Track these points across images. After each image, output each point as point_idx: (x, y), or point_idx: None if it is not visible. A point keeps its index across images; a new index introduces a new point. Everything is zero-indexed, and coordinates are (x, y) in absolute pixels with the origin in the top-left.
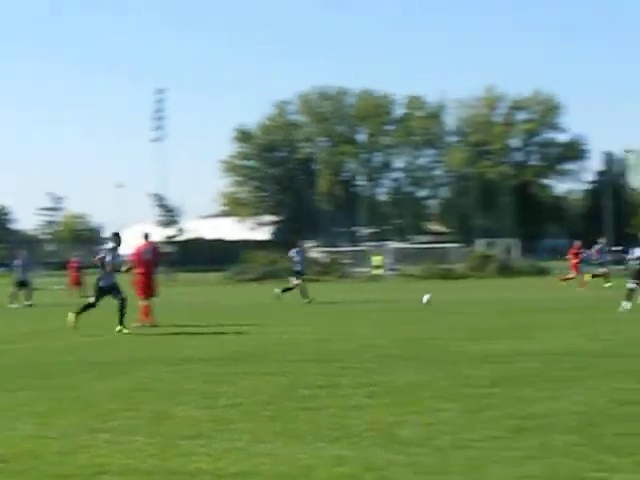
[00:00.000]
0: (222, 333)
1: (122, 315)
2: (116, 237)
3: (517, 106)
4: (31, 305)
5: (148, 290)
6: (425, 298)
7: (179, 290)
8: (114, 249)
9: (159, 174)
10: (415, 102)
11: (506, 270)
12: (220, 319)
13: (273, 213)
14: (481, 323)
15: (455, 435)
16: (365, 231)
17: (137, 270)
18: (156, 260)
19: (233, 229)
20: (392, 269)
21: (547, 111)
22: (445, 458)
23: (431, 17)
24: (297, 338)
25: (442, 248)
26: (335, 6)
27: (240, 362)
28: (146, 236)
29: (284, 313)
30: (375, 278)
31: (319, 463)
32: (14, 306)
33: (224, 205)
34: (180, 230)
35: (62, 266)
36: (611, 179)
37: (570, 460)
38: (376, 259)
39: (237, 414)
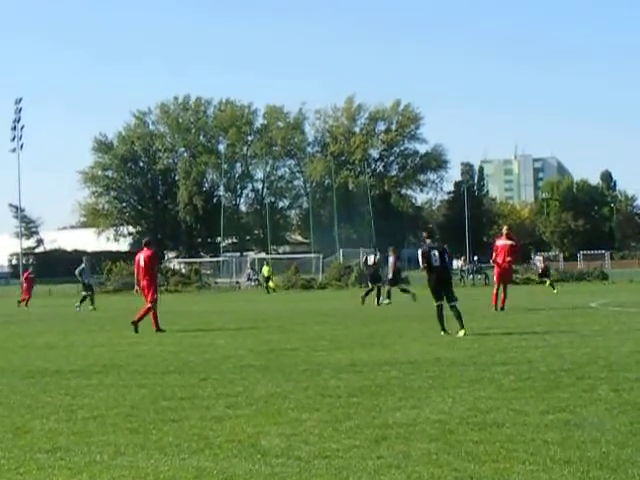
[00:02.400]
0: (76, 345)
1: None
2: None
3: (377, 117)
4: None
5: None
6: (385, 301)
7: (36, 302)
8: None
9: (17, 185)
10: (275, 112)
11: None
12: (73, 331)
13: (133, 224)
14: (342, 333)
15: (317, 445)
16: (226, 241)
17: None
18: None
19: (93, 240)
20: (252, 279)
21: (407, 121)
22: (307, 468)
23: (290, 27)
24: (155, 350)
25: (303, 258)
26: (197, 15)
27: (97, 374)
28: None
29: (143, 325)
30: (268, 290)
31: (181, 475)
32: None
33: (83, 216)
34: (38, 242)
35: None
36: (469, 189)
37: (431, 468)
38: (266, 269)
39: (97, 427)
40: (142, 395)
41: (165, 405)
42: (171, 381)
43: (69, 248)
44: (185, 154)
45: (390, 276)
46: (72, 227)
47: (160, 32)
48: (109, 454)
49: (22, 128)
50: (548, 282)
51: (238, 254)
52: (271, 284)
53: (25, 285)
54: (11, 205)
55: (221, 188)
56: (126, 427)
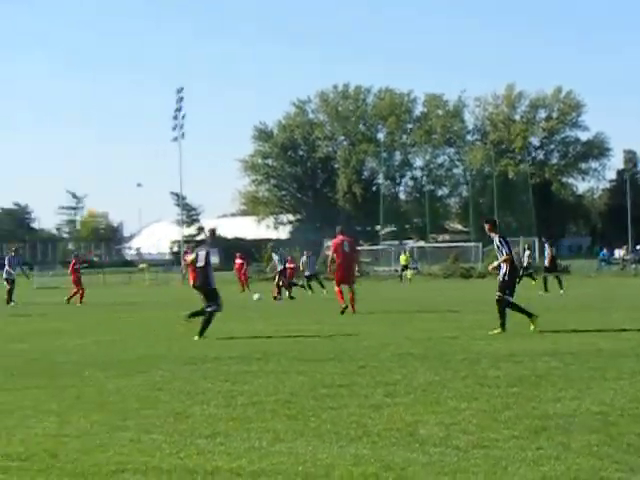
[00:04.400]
0: (236, 332)
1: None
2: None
3: (538, 104)
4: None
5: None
6: (255, 296)
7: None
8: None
9: (179, 173)
10: (435, 100)
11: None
12: (233, 318)
13: (293, 212)
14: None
15: (475, 435)
16: (385, 230)
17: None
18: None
19: (252, 228)
20: (412, 268)
21: (568, 109)
22: (465, 457)
23: (451, 16)
24: (314, 337)
25: (462, 247)
26: (355, 5)
27: (257, 361)
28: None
29: (301, 310)
30: (402, 278)
31: (339, 462)
32: None
33: (243, 204)
34: (199, 229)
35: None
36: (632, 177)
37: (591, 460)
38: (403, 258)
39: (257, 413)
40: (301, 382)
41: (324, 392)
42: (330, 368)
43: (229, 236)
44: (344, 142)
45: (547, 264)
46: (232, 215)
47: (321, 21)
48: (268, 440)
49: (183, 117)
50: None
51: (397, 242)
52: (408, 274)
53: (72, 278)
54: (172, 193)
55: (380, 176)
56: (285, 414)
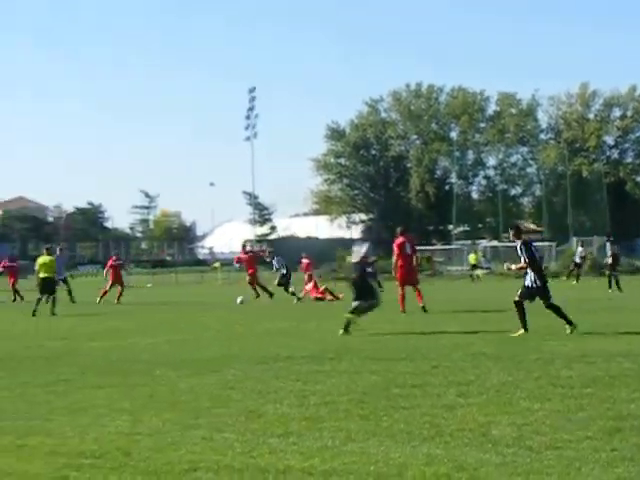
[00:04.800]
0: (309, 331)
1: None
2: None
3: (612, 103)
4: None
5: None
6: (239, 299)
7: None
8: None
9: (251, 172)
10: (508, 99)
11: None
12: (305, 318)
13: (365, 211)
14: (577, 322)
15: (549, 435)
16: (457, 229)
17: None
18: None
19: (325, 227)
20: (484, 267)
21: None
22: (539, 459)
23: (524, 15)
24: (386, 336)
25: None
26: (429, 5)
27: (330, 360)
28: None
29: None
30: (473, 278)
31: (411, 462)
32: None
33: (316, 203)
34: (272, 228)
35: (154, 264)
36: None
37: None
38: (472, 257)
39: (329, 412)
40: (374, 382)
41: (396, 392)
42: (402, 368)
43: (302, 235)
44: (417, 141)
45: (609, 262)
46: (305, 214)
47: (393, 21)
48: (340, 440)
49: (256, 116)
50: None
51: (470, 242)
52: (479, 273)
53: (111, 273)
54: (245, 192)
55: (453, 175)
56: (357, 413)
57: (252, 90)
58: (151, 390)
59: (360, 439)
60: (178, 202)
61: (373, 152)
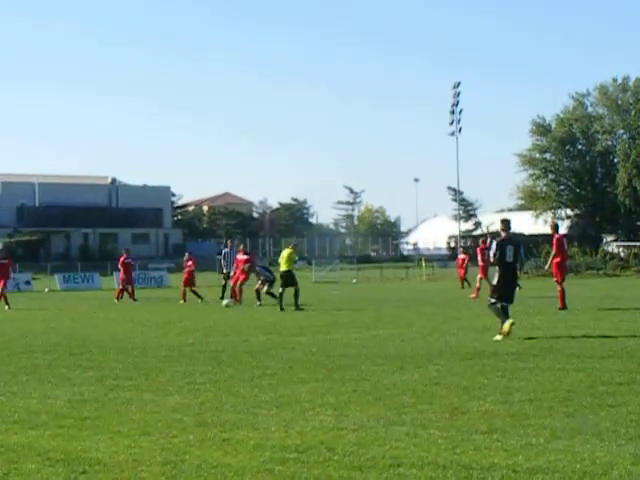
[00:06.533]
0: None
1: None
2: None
3: None
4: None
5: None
6: (224, 302)
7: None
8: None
9: (455, 168)
10: None
11: None
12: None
13: (571, 207)
14: None
15: None
16: None
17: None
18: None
19: (530, 223)
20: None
21: None
22: None
23: None
24: (592, 334)
25: None
26: None
27: (534, 357)
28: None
29: (575, 306)
30: None
31: (617, 461)
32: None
33: (521, 199)
34: (476, 224)
35: (359, 259)
36: None
37: None
38: None
39: (533, 409)
40: (579, 379)
41: (602, 390)
42: (609, 365)
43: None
44: (624, 136)
45: None
46: (509, 210)
47: (594, 12)
48: (545, 437)
49: (460, 112)
50: None
51: None
52: None
53: (121, 272)
54: (450, 188)
55: None
56: (562, 411)
57: (456, 85)
58: (355, 385)
59: (565, 437)
60: (383, 198)
61: (579, 147)
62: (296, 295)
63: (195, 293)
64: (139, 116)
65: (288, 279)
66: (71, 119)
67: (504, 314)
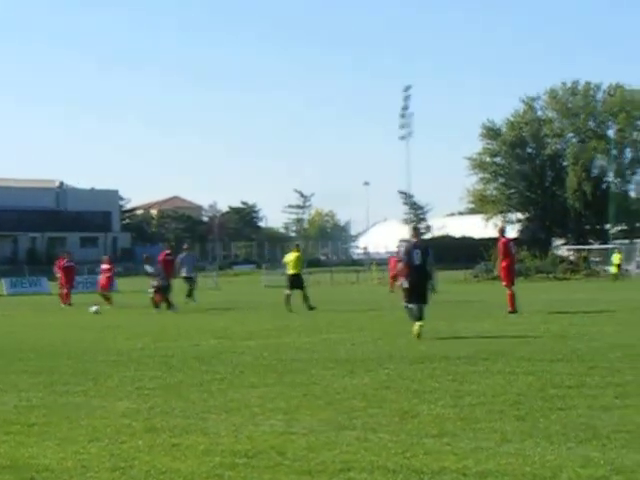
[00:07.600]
0: (462, 331)
1: None
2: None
3: None
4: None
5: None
6: (92, 309)
7: None
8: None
9: (406, 172)
10: None
11: None
12: (459, 317)
13: (521, 210)
14: None
15: None
16: (615, 229)
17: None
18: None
19: (480, 227)
20: None
21: None
22: None
23: None
24: (541, 337)
25: None
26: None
27: (484, 361)
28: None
29: (525, 309)
30: (617, 277)
31: (567, 464)
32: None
33: (471, 202)
34: (427, 228)
35: (308, 263)
36: None
37: None
38: (615, 257)
39: (484, 413)
40: (529, 382)
41: (552, 393)
42: (559, 369)
43: (457, 234)
44: (574, 139)
45: None
46: (460, 213)
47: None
48: (495, 441)
49: (411, 115)
50: None
51: (627, 241)
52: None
53: (60, 275)
54: (400, 192)
55: (610, 174)
56: (512, 414)
57: (407, 89)
58: (306, 389)
59: (515, 440)
60: (332, 202)
61: (529, 150)
62: (305, 297)
63: (104, 297)
64: (85, 120)
65: (295, 282)
66: (16, 122)
67: (417, 315)
